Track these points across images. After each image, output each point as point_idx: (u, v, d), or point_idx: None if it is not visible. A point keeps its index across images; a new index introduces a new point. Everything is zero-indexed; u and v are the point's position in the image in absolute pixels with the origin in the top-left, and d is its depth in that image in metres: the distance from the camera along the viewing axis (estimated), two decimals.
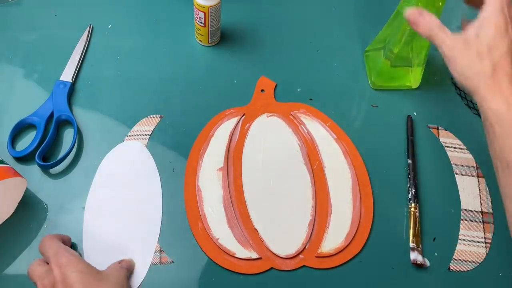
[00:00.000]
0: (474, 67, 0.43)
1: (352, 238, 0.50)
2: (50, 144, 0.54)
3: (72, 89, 0.59)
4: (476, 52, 0.43)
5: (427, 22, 0.47)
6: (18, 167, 0.52)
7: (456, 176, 0.56)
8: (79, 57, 0.62)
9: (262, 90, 0.61)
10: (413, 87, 0.63)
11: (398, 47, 0.56)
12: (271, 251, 0.49)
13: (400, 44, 0.55)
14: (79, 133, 0.55)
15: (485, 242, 0.52)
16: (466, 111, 0.62)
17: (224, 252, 0.49)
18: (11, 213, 0.49)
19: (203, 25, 0.61)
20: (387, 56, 0.58)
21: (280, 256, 0.49)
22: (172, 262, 0.49)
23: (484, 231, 0.52)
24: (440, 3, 0.50)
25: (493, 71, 0.42)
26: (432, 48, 0.68)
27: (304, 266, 0.49)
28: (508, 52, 0.42)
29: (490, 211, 0.54)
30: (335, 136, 0.57)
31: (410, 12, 0.48)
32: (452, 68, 0.45)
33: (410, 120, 0.60)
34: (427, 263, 0.50)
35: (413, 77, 0.61)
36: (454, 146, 0.58)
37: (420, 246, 0.51)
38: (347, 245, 0.50)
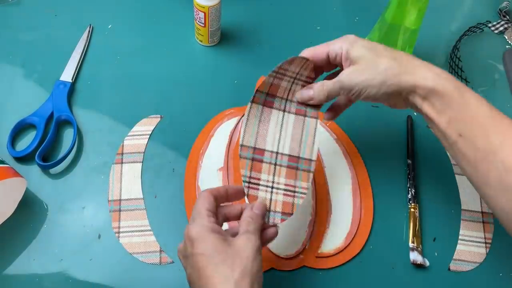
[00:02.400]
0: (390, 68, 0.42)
1: (352, 238, 0.50)
2: (50, 144, 0.54)
3: (72, 89, 0.59)
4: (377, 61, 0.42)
5: (318, 90, 0.46)
6: (18, 167, 0.52)
7: (456, 176, 0.56)
8: (79, 57, 0.61)
9: None
10: None
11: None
12: (271, 251, 0.49)
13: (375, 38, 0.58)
14: (79, 133, 0.55)
15: (485, 242, 0.52)
16: None
17: None
18: (11, 213, 0.49)
19: (203, 25, 0.61)
20: None
21: (280, 256, 0.49)
22: (172, 262, 0.49)
23: (484, 231, 0.52)
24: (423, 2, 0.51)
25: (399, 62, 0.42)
26: (430, 49, 0.69)
27: (304, 266, 0.49)
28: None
29: (490, 211, 0.54)
30: (335, 136, 0.57)
31: (299, 95, 0.48)
32: (371, 89, 0.43)
33: (410, 120, 0.60)
34: (427, 263, 0.50)
35: None
36: None
37: (420, 246, 0.51)
38: (347, 245, 0.50)
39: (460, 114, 0.40)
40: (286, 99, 0.49)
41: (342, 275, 0.49)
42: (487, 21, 0.70)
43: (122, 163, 0.54)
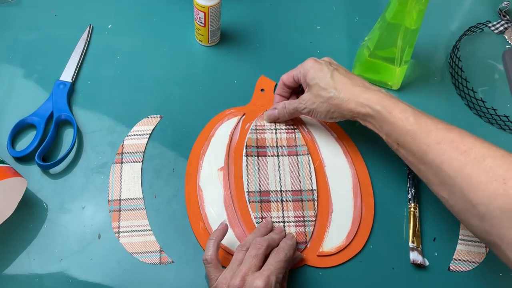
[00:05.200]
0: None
1: (353, 237, 0.50)
2: (50, 144, 0.54)
3: (72, 89, 0.59)
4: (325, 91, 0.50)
5: (282, 111, 0.55)
6: (18, 167, 0.52)
7: None
8: (79, 57, 0.61)
9: (262, 90, 0.61)
10: (394, 88, 0.62)
11: (374, 43, 0.58)
12: None
13: (375, 41, 0.58)
14: (79, 133, 0.55)
15: None
16: (466, 111, 0.62)
17: (225, 252, 0.49)
18: (11, 213, 0.49)
19: (203, 25, 0.61)
20: (367, 47, 0.60)
21: None
22: (172, 262, 0.49)
23: None
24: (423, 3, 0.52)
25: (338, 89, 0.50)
26: (430, 49, 0.69)
27: (305, 265, 0.49)
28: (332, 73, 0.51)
29: None
30: (336, 135, 0.57)
31: (266, 116, 0.57)
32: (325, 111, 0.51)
33: None
34: (427, 263, 0.50)
35: (395, 77, 0.61)
36: None
37: (420, 246, 0.51)
38: (348, 244, 0.50)
39: (392, 128, 0.47)
40: (277, 146, 0.56)
41: (343, 275, 0.49)
42: (487, 21, 0.71)
43: (122, 163, 0.54)
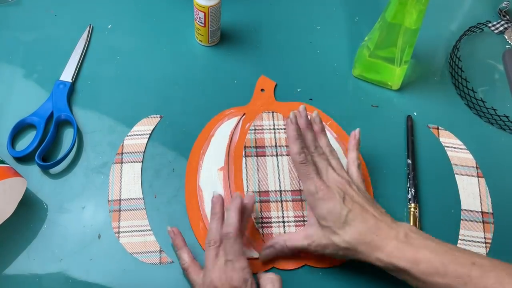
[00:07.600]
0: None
1: None
2: (50, 144, 0.54)
3: (72, 89, 0.59)
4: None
5: (282, 250, 0.48)
6: (18, 167, 0.52)
7: (456, 176, 0.56)
8: (79, 57, 0.61)
9: (262, 90, 0.61)
10: (394, 88, 0.62)
11: (374, 43, 0.58)
12: None
13: (375, 41, 0.58)
14: (79, 133, 0.55)
15: (485, 242, 0.52)
16: (466, 111, 0.62)
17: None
18: (11, 213, 0.49)
19: (203, 25, 0.61)
20: (367, 47, 0.60)
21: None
22: (172, 262, 0.48)
23: (484, 231, 0.52)
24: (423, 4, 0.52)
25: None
26: (430, 49, 0.69)
27: (305, 265, 0.49)
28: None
29: (490, 211, 0.54)
30: (335, 135, 0.57)
31: (262, 258, 0.49)
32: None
33: (410, 120, 0.60)
34: None
35: (395, 77, 0.61)
36: (454, 146, 0.58)
37: None
38: None
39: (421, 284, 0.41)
40: (275, 146, 0.55)
41: (342, 275, 0.49)
42: (487, 21, 0.71)
43: (122, 163, 0.54)
